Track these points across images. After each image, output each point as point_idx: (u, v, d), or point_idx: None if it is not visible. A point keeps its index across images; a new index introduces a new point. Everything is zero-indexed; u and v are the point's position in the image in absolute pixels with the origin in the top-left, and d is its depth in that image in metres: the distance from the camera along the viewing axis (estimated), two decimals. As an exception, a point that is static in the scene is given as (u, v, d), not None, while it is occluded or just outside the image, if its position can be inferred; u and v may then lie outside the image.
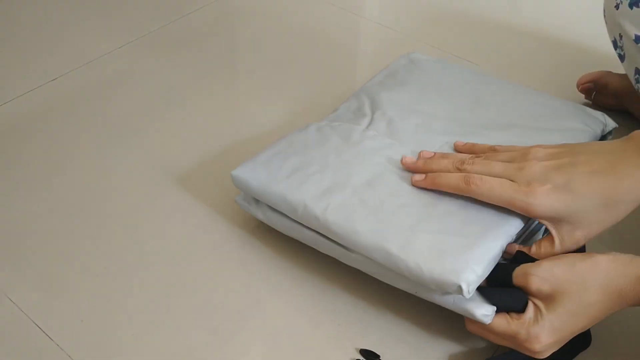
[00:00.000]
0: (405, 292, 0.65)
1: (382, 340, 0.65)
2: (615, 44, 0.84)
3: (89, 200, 0.79)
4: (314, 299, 0.69)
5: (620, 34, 0.81)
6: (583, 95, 0.98)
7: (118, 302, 0.68)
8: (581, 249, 0.66)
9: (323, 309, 0.68)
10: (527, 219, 0.64)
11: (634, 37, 0.77)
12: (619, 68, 0.89)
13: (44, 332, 0.65)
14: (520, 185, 0.61)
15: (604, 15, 0.87)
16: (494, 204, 0.63)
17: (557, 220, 0.61)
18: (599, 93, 0.96)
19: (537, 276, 0.58)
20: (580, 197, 0.59)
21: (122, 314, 0.67)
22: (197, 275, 0.71)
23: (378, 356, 0.64)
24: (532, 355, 0.58)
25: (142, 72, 1.01)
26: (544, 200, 0.59)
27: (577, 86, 0.97)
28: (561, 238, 0.61)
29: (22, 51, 1.05)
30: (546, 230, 0.63)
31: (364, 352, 0.64)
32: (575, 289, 0.56)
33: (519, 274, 0.59)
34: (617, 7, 0.80)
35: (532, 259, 0.62)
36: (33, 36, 1.08)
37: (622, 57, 0.83)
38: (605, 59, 1.04)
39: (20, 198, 0.79)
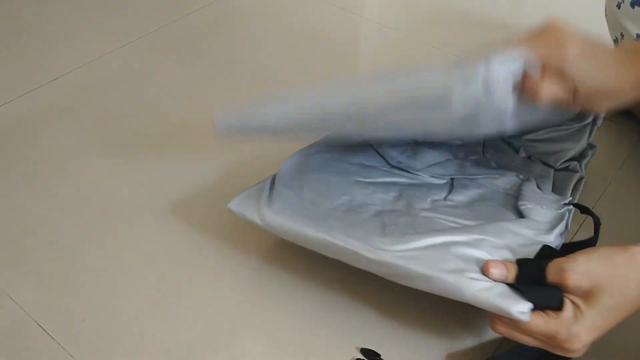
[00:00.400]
0: (404, 292, 0.64)
1: (383, 340, 0.65)
2: (616, 43, 0.84)
3: (89, 200, 0.79)
4: (315, 300, 0.69)
5: (621, 33, 0.81)
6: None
7: (119, 302, 0.68)
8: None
9: (323, 310, 0.68)
10: None
11: (635, 36, 0.78)
12: (620, 67, 0.89)
13: (45, 331, 0.65)
14: None
15: (606, 15, 0.87)
16: None
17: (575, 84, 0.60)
18: (600, 92, 0.95)
19: (574, 272, 0.54)
20: (600, 69, 0.60)
21: (123, 313, 0.67)
22: (197, 276, 0.71)
23: (379, 355, 0.64)
24: (568, 355, 0.56)
25: (142, 72, 1.01)
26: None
27: (578, 86, 0.97)
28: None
29: (22, 51, 1.04)
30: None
31: (364, 351, 0.64)
32: (615, 283, 0.54)
33: (553, 270, 0.56)
34: (618, 6, 0.80)
35: (559, 253, 0.59)
36: (33, 36, 1.08)
37: (623, 57, 0.83)
38: (605, 58, 1.04)
39: (20, 198, 0.79)
